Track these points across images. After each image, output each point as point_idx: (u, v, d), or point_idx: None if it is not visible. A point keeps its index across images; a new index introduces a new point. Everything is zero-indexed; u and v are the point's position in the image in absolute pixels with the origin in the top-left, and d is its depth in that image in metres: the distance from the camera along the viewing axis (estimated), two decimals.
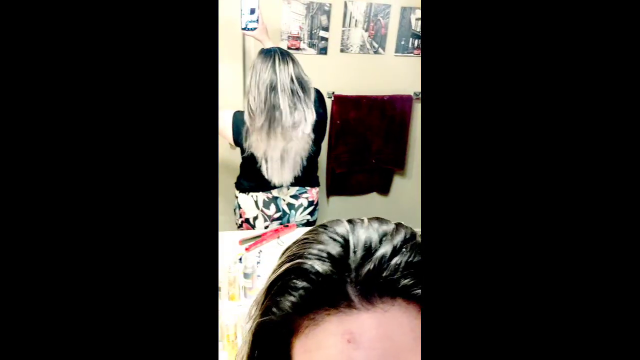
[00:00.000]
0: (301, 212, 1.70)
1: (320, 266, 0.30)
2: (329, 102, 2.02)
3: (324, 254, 0.31)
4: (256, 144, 1.43)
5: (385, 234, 0.32)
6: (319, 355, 0.29)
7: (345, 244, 0.31)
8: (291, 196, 1.67)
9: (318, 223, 0.49)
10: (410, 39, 2.09)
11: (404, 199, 2.45)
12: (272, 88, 1.34)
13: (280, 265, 0.33)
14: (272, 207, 1.66)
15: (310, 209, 1.72)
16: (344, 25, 2.00)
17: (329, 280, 0.30)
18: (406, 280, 0.29)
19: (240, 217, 1.70)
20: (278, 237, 1.61)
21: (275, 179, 1.50)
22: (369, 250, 0.31)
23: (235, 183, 1.67)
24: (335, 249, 0.31)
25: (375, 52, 2.09)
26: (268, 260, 1.50)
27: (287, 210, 1.69)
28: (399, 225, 0.34)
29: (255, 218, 1.68)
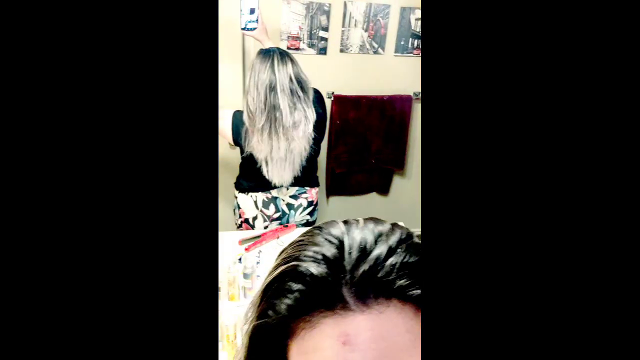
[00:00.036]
0: (301, 212, 1.70)
1: (315, 268, 0.30)
2: (328, 102, 2.02)
3: (319, 256, 0.31)
4: (257, 145, 1.42)
5: (380, 235, 0.32)
6: (315, 358, 0.29)
7: (340, 245, 0.31)
8: (290, 196, 1.67)
9: (317, 223, 0.49)
10: (410, 39, 2.09)
11: (404, 199, 2.46)
12: (272, 88, 1.34)
13: (275, 268, 0.33)
14: (272, 207, 1.66)
15: (310, 209, 1.72)
16: (343, 26, 2.00)
17: (324, 283, 0.30)
18: (402, 281, 0.29)
19: (240, 217, 1.70)
20: (277, 238, 1.60)
21: (275, 179, 1.49)
22: (364, 251, 0.31)
23: (235, 183, 1.67)
24: (330, 251, 0.31)
25: (375, 52, 2.09)
26: (267, 260, 1.50)
27: (287, 211, 1.69)
28: (394, 226, 0.34)
29: (255, 218, 1.68)
